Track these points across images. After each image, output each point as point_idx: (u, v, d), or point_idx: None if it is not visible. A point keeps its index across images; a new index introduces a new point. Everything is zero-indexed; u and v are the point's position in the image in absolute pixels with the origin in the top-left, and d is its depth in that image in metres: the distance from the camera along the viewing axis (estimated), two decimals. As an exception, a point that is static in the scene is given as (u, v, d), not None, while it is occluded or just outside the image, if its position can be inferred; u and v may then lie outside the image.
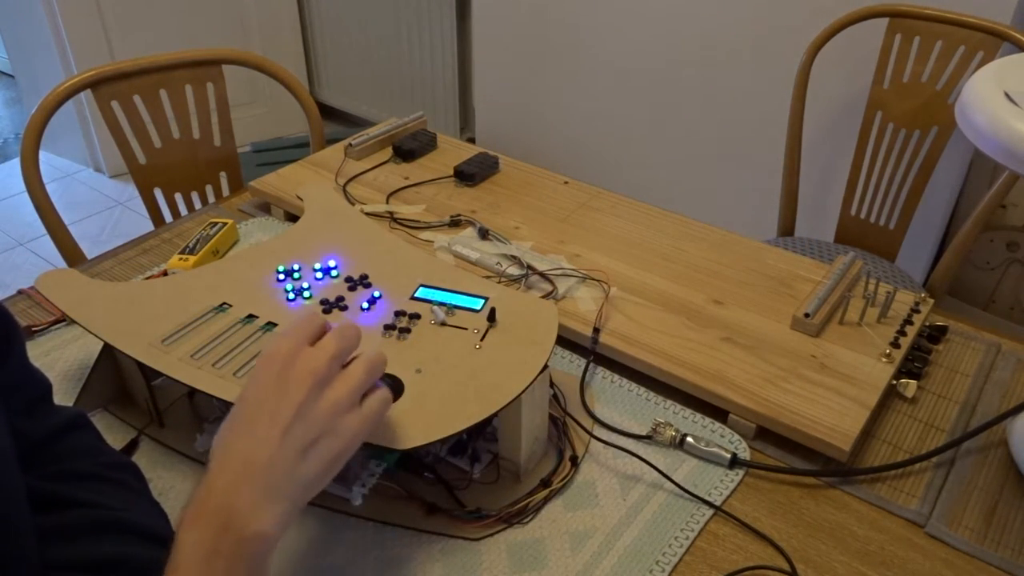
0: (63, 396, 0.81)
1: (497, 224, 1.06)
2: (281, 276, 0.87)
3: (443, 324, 0.76)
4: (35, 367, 0.61)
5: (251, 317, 0.77)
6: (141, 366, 0.73)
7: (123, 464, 0.62)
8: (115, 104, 1.33)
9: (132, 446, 0.76)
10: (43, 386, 0.61)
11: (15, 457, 0.50)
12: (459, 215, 1.07)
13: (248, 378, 0.55)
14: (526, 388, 0.66)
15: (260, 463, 0.50)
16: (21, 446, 0.52)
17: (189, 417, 0.79)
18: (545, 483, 0.72)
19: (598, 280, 0.95)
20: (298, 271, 0.88)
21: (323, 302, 0.82)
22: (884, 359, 0.84)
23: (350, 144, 1.21)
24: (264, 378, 0.53)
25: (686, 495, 0.72)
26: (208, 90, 1.39)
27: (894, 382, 0.83)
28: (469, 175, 1.15)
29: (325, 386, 0.53)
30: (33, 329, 0.91)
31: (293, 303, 0.82)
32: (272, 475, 0.49)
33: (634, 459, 0.75)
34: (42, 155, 1.30)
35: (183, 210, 1.42)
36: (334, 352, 0.54)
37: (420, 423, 0.63)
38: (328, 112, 3.10)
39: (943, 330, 0.91)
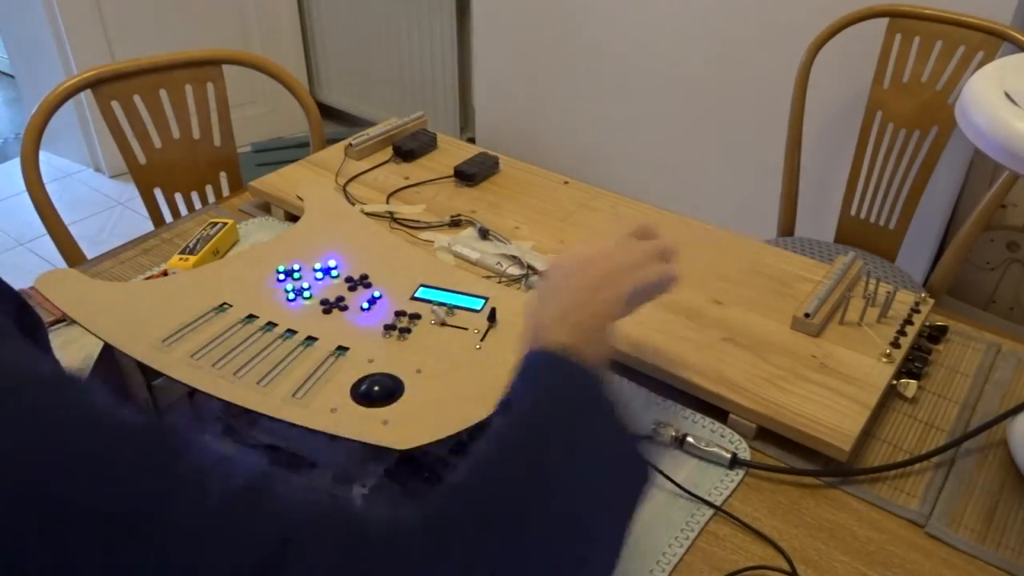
0: (63, 396, 0.81)
1: (497, 224, 1.06)
2: (281, 276, 0.87)
3: (443, 324, 0.76)
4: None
5: (251, 317, 0.77)
6: (141, 366, 0.73)
7: None
8: (115, 104, 1.33)
9: (132, 446, 0.76)
10: None
11: None
12: (459, 215, 1.07)
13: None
14: (526, 388, 0.66)
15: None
16: None
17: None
18: (545, 483, 0.72)
19: (598, 280, 0.95)
20: (298, 271, 0.88)
21: (323, 302, 0.82)
22: (884, 359, 0.84)
23: (350, 144, 1.21)
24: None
25: (686, 495, 0.72)
26: (208, 90, 1.39)
27: (894, 382, 0.83)
28: (469, 175, 1.15)
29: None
30: (33, 329, 0.91)
31: (293, 303, 0.82)
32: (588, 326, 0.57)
33: (634, 459, 0.75)
34: (42, 155, 1.30)
35: (183, 210, 1.42)
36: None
37: (420, 423, 0.63)
38: (328, 112, 3.10)
39: (943, 330, 0.91)
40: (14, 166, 2.94)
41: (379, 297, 0.86)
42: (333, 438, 0.65)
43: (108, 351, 0.78)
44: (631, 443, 0.52)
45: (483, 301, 0.79)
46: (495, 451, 0.47)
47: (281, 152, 2.73)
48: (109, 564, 0.33)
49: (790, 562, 0.67)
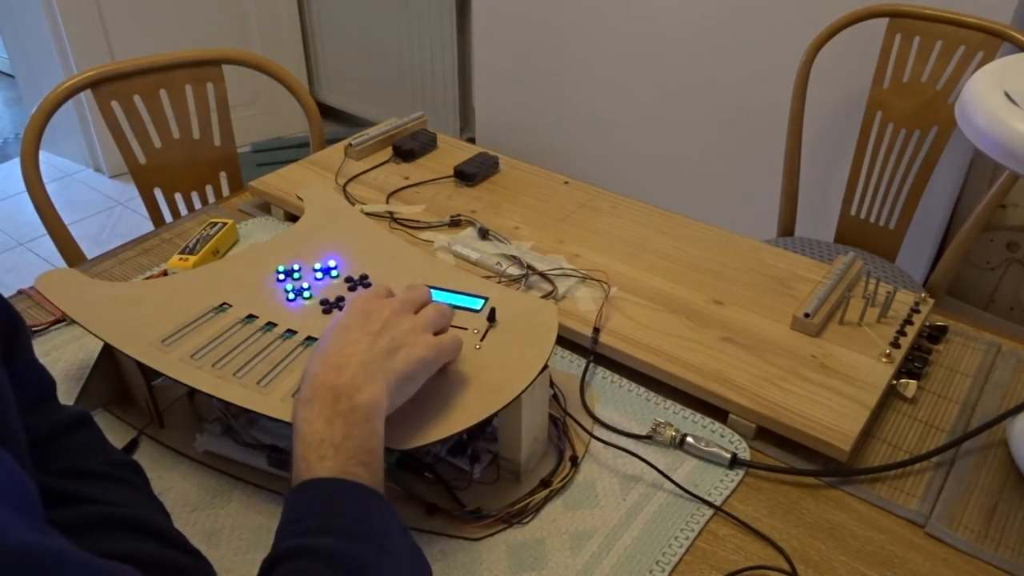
0: (63, 396, 0.80)
1: (497, 224, 1.06)
2: (281, 276, 0.87)
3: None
4: (40, 364, 0.61)
5: (251, 317, 0.77)
6: (141, 366, 0.73)
7: (126, 462, 0.62)
8: (115, 104, 1.33)
9: (132, 446, 0.76)
10: (48, 383, 0.61)
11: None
12: (459, 215, 1.07)
13: (332, 323, 0.63)
14: (526, 388, 0.66)
15: (355, 357, 0.59)
16: (27, 441, 0.52)
17: (189, 417, 0.79)
18: (545, 483, 0.72)
19: (598, 280, 0.95)
20: (298, 271, 0.88)
21: (323, 302, 0.82)
22: (884, 359, 0.84)
23: (350, 144, 1.21)
24: (351, 311, 0.63)
25: (686, 495, 0.72)
26: (208, 90, 1.39)
27: (894, 382, 0.83)
28: (469, 175, 1.15)
29: (403, 315, 0.64)
30: (33, 329, 0.91)
31: (293, 303, 0.82)
32: (366, 364, 0.58)
33: (634, 459, 0.75)
34: (42, 155, 1.30)
35: (183, 210, 1.42)
36: (406, 298, 0.66)
37: (420, 423, 0.63)
38: (328, 112, 3.10)
39: (943, 330, 0.91)
40: (14, 166, 2.94)
41: (379, 297, 0.86)
42: (333, 438, 0.65)
43: (108, 351, 0.78)
44: (410, 539, 0.56)
45: (483, 301, 0.79)
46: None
47: (281, 152, 2.74)
48: None
49: (790, 562, 0.67)
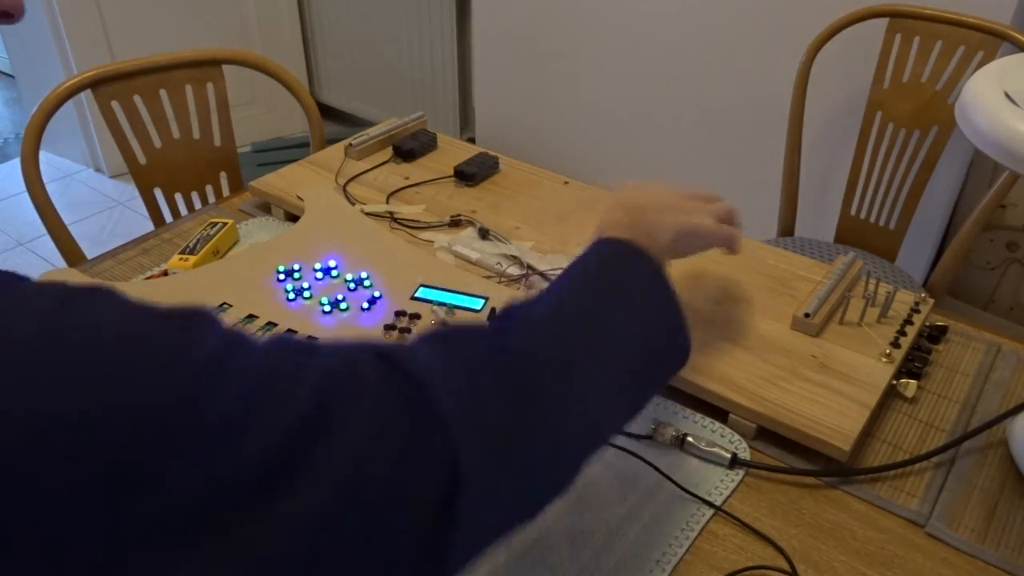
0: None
1: (497, 224, 1.06)
2: (281, 276, 0.87)
3: (443, 324, 0.76)
4: None
5: (251, 317, 0.77)
6: (141, 366, 0.73)
7: None
8: (115, 104, 1.33)
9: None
10: None
11: None
12: (459, 215, 1.07)
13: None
14: (526, 388, 0.66)
15: (651, 199, 0.67)
16: None
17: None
18: (545, 483, 0.72)
19: (598, 280, 0.95)
20: (298, 271, 0.88)
21: (323, 302, 0.82)
22: (884, 359, 0.84)
23: (350, 144, 1.21)
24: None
25: (686, 495, 0.72)
26: (208, 90, 1.39)
27: (894, 382, 0.83)
28: (469, 175, 1.15)
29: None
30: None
31: (293, 303, 0.82)
32: (661, 208, 0.67)
33: (634, 459, 0.75)
34: (42, 155, 1.30)
35: (183, 210, 1.42)
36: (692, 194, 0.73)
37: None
38: (328, 112, 3.10)
39: (943, 330, 0.91)
40: (14, 166, 2.94)
41: (379, 297, 0.86)
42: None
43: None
44: (679, 324, 0.59)
45: (483, 301, 0.79)
46: (567, 289, 0.54)
47: (281, 152, 2.73)
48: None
49: (790, 562, 0.67)
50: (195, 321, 0.37)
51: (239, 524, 0.33)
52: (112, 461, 0.30)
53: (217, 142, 1.43)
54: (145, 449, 0.31)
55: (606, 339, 0.52)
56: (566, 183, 1.16)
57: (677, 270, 0.67)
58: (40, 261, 2.46)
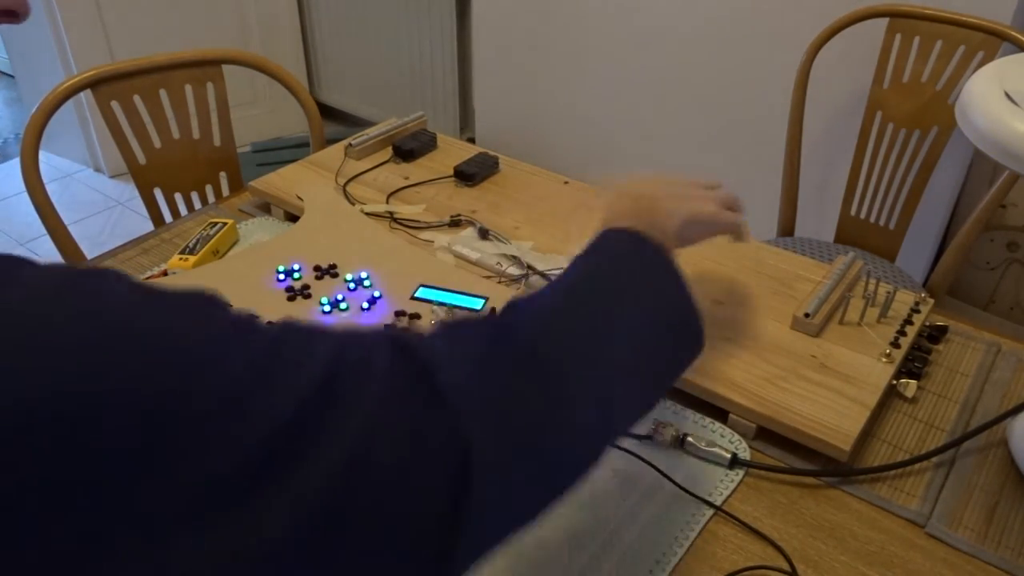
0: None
1: (497, 224, 1.06)
2: (281, 276, 0.87)
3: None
4: None
5: (251, 317, 0.77)
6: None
7: None
8: (115, 104, 1.33)
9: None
10: None
11: None
12: (459, 215, 1.07)
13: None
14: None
15: (655, 188, 0.68)
16: None
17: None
18: (545, 483, 0.72)
19: (598, 280, 0.95)
20: (298, 271, 0.88)
21: (323, 302, 0.82)
22: (884, 359, 0.84)
23: (350, 144, 1.21)
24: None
25: (686, 495, 0.72)
26: (208, 90, 1.39)
27: (894, 382, 0.83)
28: (469, 175, 1.15)
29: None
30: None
31: (293, 303, 0.82)
32: (668, 196, 0.67)
33: (634, 459, 0.75)
34: (42, 155, 1.30)
35: (183, 210, 1.42)
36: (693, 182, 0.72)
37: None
38: (328, 112, 3.10)
39: (943, 330, 0.91)
40: (14, 166, 2.94)
41: (379, 297, 0.86)
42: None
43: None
44: (691, 310, 0.57)
45: (483, 301, 0.79)
46: (577, 279, 0.54)
47: (281, 152, 2.73)
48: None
49: (790, 562, 0.67)
50: (204, 304, 0.37)
51: (241, 505, 0.32)
52: (112, 448, 0.30)
53: (217, 142, 1.43)
54: (147, 435, 0.31)
55: (618, 327, 0.52)
56: (566, 183, 1.16)
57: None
58: (40, 261, 2.46)
